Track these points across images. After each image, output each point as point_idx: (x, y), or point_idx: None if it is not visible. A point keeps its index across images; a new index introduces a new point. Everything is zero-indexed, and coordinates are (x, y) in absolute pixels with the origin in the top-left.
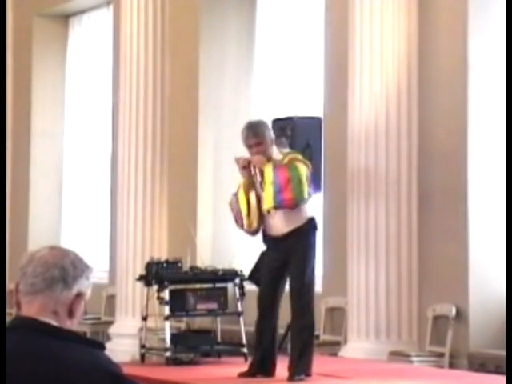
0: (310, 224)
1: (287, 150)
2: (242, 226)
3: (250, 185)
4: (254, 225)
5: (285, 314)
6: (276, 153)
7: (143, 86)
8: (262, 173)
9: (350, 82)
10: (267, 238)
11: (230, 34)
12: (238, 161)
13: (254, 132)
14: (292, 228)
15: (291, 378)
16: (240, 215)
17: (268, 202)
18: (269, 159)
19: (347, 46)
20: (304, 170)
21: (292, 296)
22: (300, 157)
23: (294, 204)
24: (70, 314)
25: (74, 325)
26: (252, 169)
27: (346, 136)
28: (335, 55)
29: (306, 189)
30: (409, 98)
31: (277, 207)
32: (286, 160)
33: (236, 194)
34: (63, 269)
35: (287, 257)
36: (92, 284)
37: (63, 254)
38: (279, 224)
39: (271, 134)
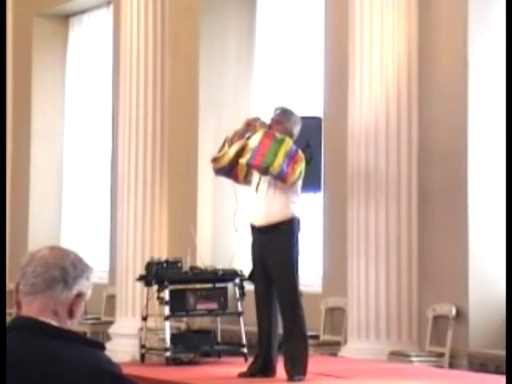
0: (291, 223)
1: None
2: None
3: (239, 137)
4: (220, 164)
5: None
6: None
7: (143, 86)
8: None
9: (350, 81)
10: (252, 230)
11: (230, 34)
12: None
13: (283, 111)
14: (270, 222)
15: (290, 378)
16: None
17: (244, 158)
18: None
19: (347, 46)
20: (287, 146)
21: (278, 299)
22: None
23: (260, 168)
24: (70, 314)
25: (74, 325)
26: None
27: (346, 136)
28: (335, 55)
29: (278, 162)
30: (409, 97)
31: (248, 164)
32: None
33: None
34: (63, 269)
35: (266, 254)
36: (92, 284)
37: (63, 254)
38: (259, 209)
39: (294, 128)
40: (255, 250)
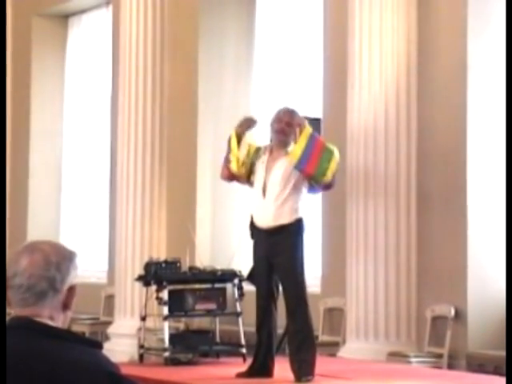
0: (298, 225)
1: None
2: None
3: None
4: (234, 169)
5: (283, 312)
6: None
7: (143, 85)
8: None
9: (349, 82)
10: (255, 231)
11: (230, 34)
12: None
13: (290, 113)
14: (278, 224)
15: (298, 379)
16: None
17: (294, 158)
18: (287, 144)
19: (346, 47)
20: (337, 155)
21: (285, 299)
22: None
23: (312, 176)
24: (64, 307)
25: (68, 316)
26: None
27: (345, 136)
28: (334, 55)
29: (331, 171)
30: (408, 98)
31: (298, 169)
32: None
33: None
34: (50, 279)
35: (273, 255)
36: (78, 267)
37: (46, 261)
38: (268, 212)
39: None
40: (261, 251)
